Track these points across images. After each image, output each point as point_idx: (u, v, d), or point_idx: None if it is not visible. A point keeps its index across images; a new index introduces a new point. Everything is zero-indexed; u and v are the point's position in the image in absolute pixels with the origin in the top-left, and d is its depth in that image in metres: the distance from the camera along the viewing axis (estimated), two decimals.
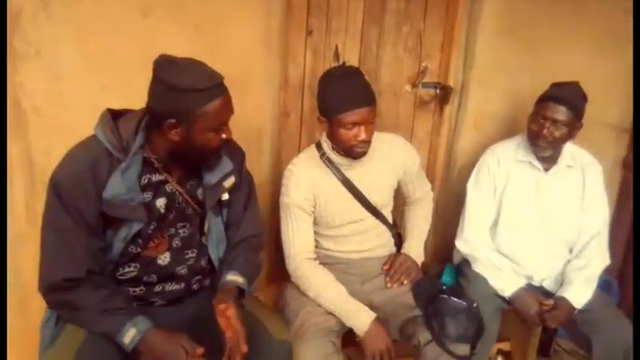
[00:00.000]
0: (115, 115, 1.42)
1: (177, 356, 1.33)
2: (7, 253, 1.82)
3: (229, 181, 1.53)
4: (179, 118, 1.33)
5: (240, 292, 1.51)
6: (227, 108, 1.40)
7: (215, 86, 1.34)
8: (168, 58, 1.34)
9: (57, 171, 1.35)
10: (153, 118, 1.37)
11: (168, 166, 1.46)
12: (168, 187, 1.47)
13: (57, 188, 1.33)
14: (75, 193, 1.32)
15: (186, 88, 1.29)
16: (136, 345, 1.33)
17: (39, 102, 1.76)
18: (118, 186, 1.34)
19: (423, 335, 1.65)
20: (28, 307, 1.87)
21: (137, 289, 1.50)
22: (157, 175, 1.45)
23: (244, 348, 1.35)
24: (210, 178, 1.50)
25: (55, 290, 1.35)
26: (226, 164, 1.52)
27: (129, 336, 1.33)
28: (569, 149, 1.95)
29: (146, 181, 1.43)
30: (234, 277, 1.50)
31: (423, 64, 2.21)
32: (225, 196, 1.55)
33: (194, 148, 1.38)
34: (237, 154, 1.60)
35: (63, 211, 1.32)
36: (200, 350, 1.35)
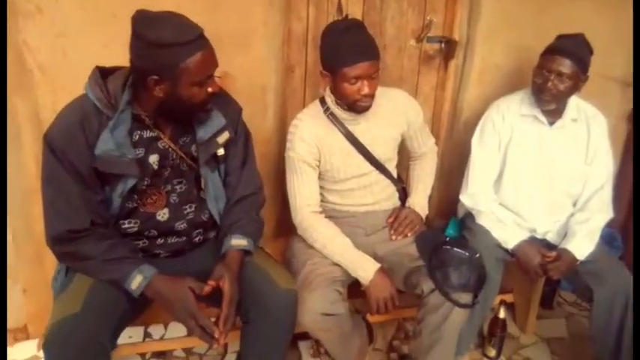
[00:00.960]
0: (105, 73, 1.43)
1: (186, 299, 1.37)
2: (19, 208, 1.87)
3: (223, 137, 1.53)
4: (161, 74, 1.33)
5: (246, 252, 1.55)
6: (210, 61, 1.38)
7: (195, 39, 1.32)
8: (145, 13, 1.32)
9: (49, 128, 1.39)
10: (137, 75, 1.38)
11: (159, 122, 1.47)
12: (160, 144, 1.49)
13: (50, 144, 1.36)
14: (67, 149, 1.35)
15: (166, 44, 1.29)
16: (143, 290, 1.38)
17: (43, 59, 1.76)
18: (108, 142, 1.36)
19: (427, 284, 1.69)
20: (43, 260, 1.93)
21: (140, 242, 1.55)
22: (149, 131, 1.46)
23: (218, 333, 1.37)
24: (203, 134, 1.51)
25: (61, 242, 1.40)
26: (219, 120, 1.52)
27: (135, 282, 1.37)
28: (574, 102, 1.94)
29: (137, 137, 1.45)
30: (238, 241, 1.54)
31: (428, 18, 2.17)
32: (221, 152, 1.56)
33: (180, 103, 1.38)
34: (232, 109, 1.60)
35: (59, 165, 1.36)
36: (208, 288, 1.40)
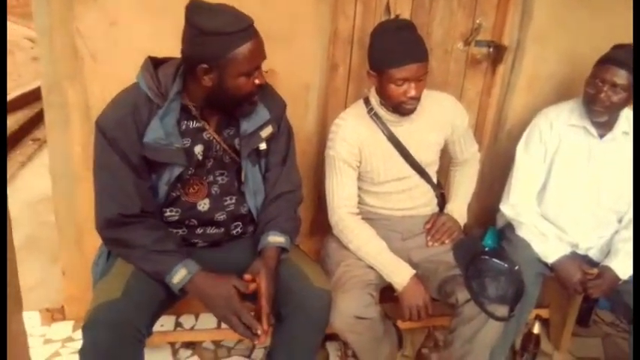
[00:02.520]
0: (157, 63, 1.46)
1: (231, 297, 1.38)
2: (63, 193, 1.92)
3: (266, 131, 1.54)
4: (210, 63, 1.34)
5: (283, 250, 1.55)
6: (258, 52, 1.39)
7: (245, 29, 1.34)
8: (199, 2, 1.35)
9: (101, 116, 1.42)
10: (187, 64, 1.40)
11: (205, 113, 1.49)
12: (205, 135, 1.50)
13: (102, 130, 1.39)
14: (119, 138, 1.38)
15: (216, 32, 1.31)
16: (184, 286, 1.39)
17: (95, 48, 1.80)
18: (157, 130, 1.39)
19: (462, 294, 1.66)
20: (83, 245, 1.98)
21: (180, 230, 1.57)
22: (195, 122, 1.48)
23: (261, 330, 1.38)
24: (247, 127, 1.52)
25: (112, 226, 1.43)
26: (264, 114, 1.53)
27: (179, 276, 1.39)
28: (627, 115, 1.87)
29: (184, 127, 1.47)
30: (275, 238, 1.53)
31: (477, 21, 2.13)
32: (263, 146, 1.56)
33: (227, 93, 1.40)
34: (277, 104, 1.60)
35: (111, 151, 1.39)
36: (253, 286, 1.40)
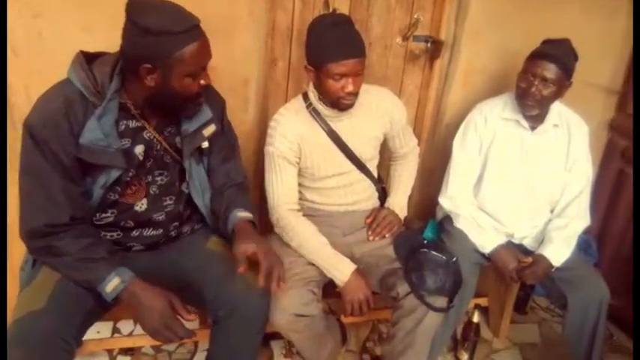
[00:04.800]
0: (89, 58, 1.37)
1: (165, 312, 1.33)
2: None
3: (209, 130, 1.50)
4: (154, 63, 1.28)
5: (253, 225, 1.49)
6: (204, 52, 1.34)
7: (191, 29, 1.28)
8: None
9: (30, 115, 1.32)
10: (127, 63, 1.33)
11: (145, 112, 1.42)
12: (146, 134, 1.44)
13: (31, 132, 1.29)
14: (49, 137, 1.29)
15: (161, 32, 1.24)
16: (119, 294, 1.33)
17: (16, 41, 1.68)
18: (95, 131, 1.31)
19: (402, 287, 1.67)
20: (10, 251, 1.86)
21: (114, 234, 1.50)
22: (135, 121, 1.41)
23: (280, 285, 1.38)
24: (188, 127, 1.47)
25: (37, 236, 1.34)
26: (205, 112, 1.49)
27: (112, 285, 1.32)
28: (557, 108, 1.93)
29: (123, 127, 1.40)
30: (243, 214, 1.49)
31: (415, 16, 2.15)
32: (205, 144, 1.52)
33: (171, 94, 1.34)
34: (216, 102, 1.57)
35: (39, 154, 1.29)
36: (192, 316, 1.36)
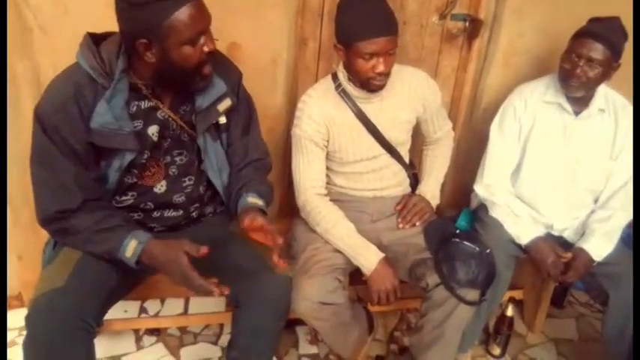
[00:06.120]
0: (98, 39, 1.33)
1: (178, 262, 1.28)
2: (17, 174, 1.81)
3: (224, 104, 1.44)
4: (149, 37, 1.22)
5: (262, 213, 1.45)
6: (199, 15, 1.25)
7: None
8: None
9: (40, 102, 1.29)
10: (126, 42, 1.28)
11: (157, 91, 1.38)
12: (159, 114, 1.40)
13: (41, 119, 1.27)
14: (59, 124, 1.26)
15: (145, 1, 1.17)
16: (139, 257, 1.31)
17: (44, 18, 1.68)
18: (105, 115, 1.28)
19: (432, 278, 1.61)
20: (38, 228, 1.86)
21: (135, 215, 1.48)
22: (147, 101, 1.37)
23: (279, 240, 1.33)
24: (202, 102, 1.42)
25: (52, 222, 1.33)
26: (219, 86, 1.43)
27: (130, 248, 1.30)
28: (603, 91, 1.81)
29: (135, 108, 1.36)
30: (254, 200, 1.44)
31: None
32: (223, 120, 1.47)
33: (174, 67, 1.27)
34: (231, 74, 1.50)
35: (50, 143, 1.27)
36: (204, 249, 1.30)
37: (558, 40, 1.85)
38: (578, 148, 1.83)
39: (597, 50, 1.65)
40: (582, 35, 1.69)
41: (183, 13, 1.21)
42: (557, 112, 1.82)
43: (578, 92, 1.73)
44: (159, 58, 1.26)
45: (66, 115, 1.26)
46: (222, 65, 1.45)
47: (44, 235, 1.60)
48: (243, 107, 1.54)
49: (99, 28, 1.39)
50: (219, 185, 1.54)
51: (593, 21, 1.72)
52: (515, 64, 2.13)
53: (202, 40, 1.28)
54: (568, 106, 1.80)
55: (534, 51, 2.12)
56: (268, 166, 1.62)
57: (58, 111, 1.26)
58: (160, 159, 1.44)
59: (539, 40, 2.11)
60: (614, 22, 1.69)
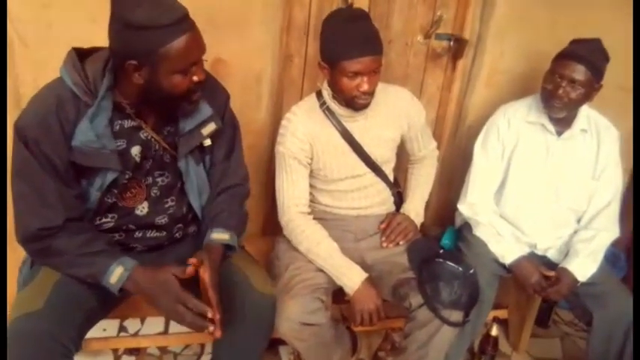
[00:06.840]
0: (83, 55, 1.30)
1: (170, 285, 1.25)
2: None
3: (208, 128, 1.41)
4: (140, 60, 1.20)
5: (229, 247, 1.44)
6: (194, 47, 1.24)
7: (178, 21, 1.19)
8: None
9: (21, 116, 1.26)
10: (115, 59, 1.25)
11: (141, 111, 1.35)
12: (142, 134, 1.37)
13: (22, 134, 1.24)
14: (41, 140, 1.23)
15: (144, 26, 1.15)
16: (123, 284, 1.27)
17: (25, 31, 1.65)
18: (87, 133, 1.25)
19: (415, 298, 1.59)
20: (16, 245, 1.84)
21: (116, 235, 1.44)
22: (130, 120, 1.34)
23: (215, 315, 1.25)
24: (185, 125, 1.39)
25: (33, 240, 1.29)
26: (205, 110, 1.40)
27: (115, 275, 1.26)
28: (585, 112, 1.82)
29: (118, 127, 1.33)
30: (219, 235, 1.42)
31: (438, 13, 2.06)
32: (208, 142, 1.44)
33: (162, 92, 1.25)
34: (219, 96, 1.48)
35: (31, 158, 1.24)
36: (190, 269, 1.26)
37: (541, 61, 1.87)
38: (561, 168, 1.84)
39: (579, 71, 1.67)
40: (564, 57, 1.71)
41: (179, 43, 1.19)
42: (540, 132, 1.84)
43: (560, 113, 1.75)
44: (147, 80, 1.24)
45: (47, 131, 1.23)
46: (210, 87, 1.42)
47: (21, 252, 1.56)
48: (228, 130, 1.51)
49: (83, 43, 1.36)
50: (198, 208, 1.51)
51: (575, 43, 1.73)
52: (498, 84, 2.15)
53: (193, 69, 1.26)
54: (551, 127, 1.81)
55: (517, 70, 2.15)
56: (245, 192, 1.58)
57: (39, 124, 1.23)
58: (142, 180, 1.41)
59: (522, 60, 2.13)
60: (595, 44, 1.71)
